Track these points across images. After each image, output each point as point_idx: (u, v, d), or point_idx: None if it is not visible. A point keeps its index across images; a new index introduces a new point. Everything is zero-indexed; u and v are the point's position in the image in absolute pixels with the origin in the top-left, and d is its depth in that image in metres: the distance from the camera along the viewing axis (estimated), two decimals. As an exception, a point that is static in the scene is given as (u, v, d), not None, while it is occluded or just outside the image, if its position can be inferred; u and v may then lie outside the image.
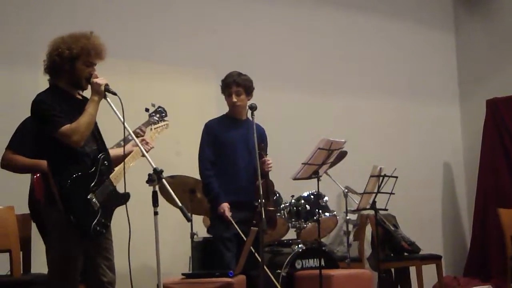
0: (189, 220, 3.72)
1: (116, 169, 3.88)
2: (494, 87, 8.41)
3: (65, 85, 3.81)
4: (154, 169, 3.59)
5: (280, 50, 7.29)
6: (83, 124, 3.66)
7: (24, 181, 4.60)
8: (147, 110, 4.80)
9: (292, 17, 7.46)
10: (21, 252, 4.81)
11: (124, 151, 3.86)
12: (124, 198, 3.83)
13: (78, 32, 3.80)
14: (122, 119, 3.68)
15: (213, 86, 6.43)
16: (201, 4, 6.82)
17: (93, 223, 3.64)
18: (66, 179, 3.60)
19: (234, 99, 5.17)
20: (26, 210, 4.67)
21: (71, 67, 3.74)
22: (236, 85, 5.17)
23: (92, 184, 3.70)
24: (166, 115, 4.80)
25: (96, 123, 3.86)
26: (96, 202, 3.68)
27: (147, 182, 3.62)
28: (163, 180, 3.59)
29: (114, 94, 3.76)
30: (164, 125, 4.58)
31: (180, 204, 3.58)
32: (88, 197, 3.66)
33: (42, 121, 3.70)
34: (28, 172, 4.49)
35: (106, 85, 3.77)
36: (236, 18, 7.04)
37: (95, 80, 3.76)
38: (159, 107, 4.84)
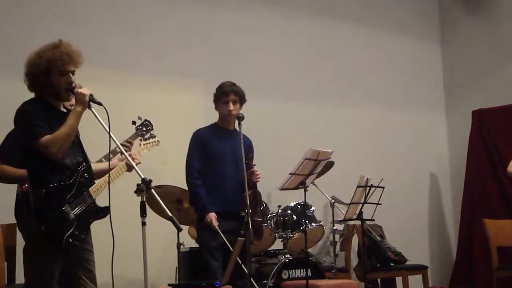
0: (180, 230, 3.69)
1: (97, 182, 3.83)
2: (480, 98, 8.46)
3: (49, 98, 3.77)
4: (143, 179, 3.56)
5: (267, 60, 7.30)
6: (62, 135, 3.62)
7: (9, 191, 4.56)
8: (134, 123, 4.78)
9: (280, 27, 7.47)
10: (5, 263, 4.77)
11: (109, 165, 3.81)
12: (103, 212, 3.79)
13: (47, 43, 3.74)
14: (108, 130, 3.64)
15: (200, 95, 6.46)
16: (188, 14, 6.82)
17: (66, 235, 3.59)
18: (42, 189, 3.57)
19: (231, 107, 5.18)
20: (11, 221, 4.63)
21: (46, 81, 3.70)
22: (234, 93, 5.20)
23: (69, 195, 3.65)
24: (152, 128, 4.79)
25: (78, 135, 3.83)
26: (71, 213, 3.63)
27: (135, 192, 3.59)
28: (152, 190, 3.57)
29: (100, 104, 3.71)
30: (155, 141, 4.55)
31: (170, 214, 3.56)
32: (63, 208, 3.61)
33: (23, 130, 3.68)
34: (16, 182, 4.45)
35: (91, 95, 3.72)
36: (224, 28, 7.04)
37: (79, 90, 3.71)
38: (146, 120, 4.83)
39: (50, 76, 3.69)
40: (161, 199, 3.67)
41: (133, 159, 3.96)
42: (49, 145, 3.58)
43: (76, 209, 3.66)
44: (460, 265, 8.26)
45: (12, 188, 4.52)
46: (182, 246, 5.47)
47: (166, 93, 6.51)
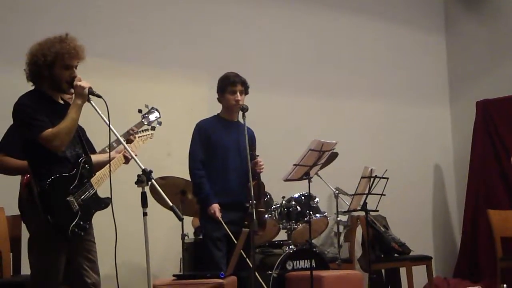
0: (181, 219, 3.71)
1: (98, 173, 3.86)
2: (484, 89, 8.44)
3: (48, 90, 3.78)
4: (143, 170, 3.58)
5: (271, 52, 7.28)
6: (64, 129, 3.63)
7: (14, 182, 4.58)
8: (140, 111, 4.80)
9: (283, 19, 7.46)
10: (11, 254, 4.80)
11: (110, 157, 3.83)
12: (104, 203, 3.83)
13: (53, 36, 3.75)
14: (107, 122, 3.65)
15: (204, 87, 6.45)
16: (193, 6, 6.81)
17: (72, 224, 3.62)
18: (46, 180, 3.58)
19: (239, 97, 5.17)
20: (17, 212, 4.66)
21: (49, 73, 3.71)
22: (241, 84, 5.19)
23: (72, 186, 3.68)
24: (160, 116, 4.81)
25: (79, 127, 3.84)
26: (76, 204, 3.66)
27: (136, 183, 3.61)
28: (153, 180, 3.58)
29: (99, 96, 3.71)
30: (149, 135, 4.58)
31: (171, 204, 3.58)
32: (68, 198, 3.64)
33: (24, 124, 3.68)
34: (19, 173, 4.48)
35: (90, 88, 3.72)
36: (228, 20, 7.02)
37: (79, 83, 3.71)
38: (152, 107, 4.84)
39: (54, 68, 3.71)
40: (165, 190, 3.69)
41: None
42: (52, 139, 3.60)
43: (80, 199, 3.69)
44: (464, 255, 8.26)
45: (16, 180, 4.54)
46: (186, 237, 5.48)
47: (170, 85, 6.51)
